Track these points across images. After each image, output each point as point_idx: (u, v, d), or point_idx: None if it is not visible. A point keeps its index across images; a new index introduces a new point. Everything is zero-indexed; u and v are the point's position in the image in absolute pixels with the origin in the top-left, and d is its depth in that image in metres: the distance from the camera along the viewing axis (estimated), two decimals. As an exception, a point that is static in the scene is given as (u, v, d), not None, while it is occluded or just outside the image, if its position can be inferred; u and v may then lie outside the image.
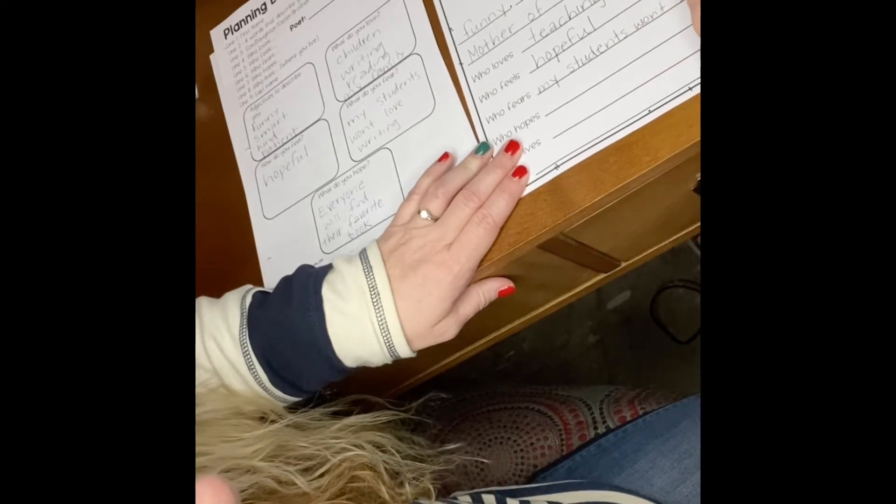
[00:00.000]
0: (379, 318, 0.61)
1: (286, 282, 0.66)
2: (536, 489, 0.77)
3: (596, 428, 0.83)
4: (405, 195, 0.69)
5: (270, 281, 0.75)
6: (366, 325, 0.61)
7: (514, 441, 0.86)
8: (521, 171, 0.63)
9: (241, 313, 0.64)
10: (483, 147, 0.65)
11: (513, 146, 0.64)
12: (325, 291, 0.62)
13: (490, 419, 0.88)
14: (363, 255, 0.64)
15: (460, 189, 0.64)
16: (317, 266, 0.67)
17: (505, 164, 0.63)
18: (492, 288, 0.66)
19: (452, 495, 0.69)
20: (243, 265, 0.77)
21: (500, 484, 0.84)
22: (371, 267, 0.62)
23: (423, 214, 0.63)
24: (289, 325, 0.62)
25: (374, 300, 0.61)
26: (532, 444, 0.86)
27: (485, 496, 0.67)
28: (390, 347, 0.62)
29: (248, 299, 0.65)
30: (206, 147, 0.82)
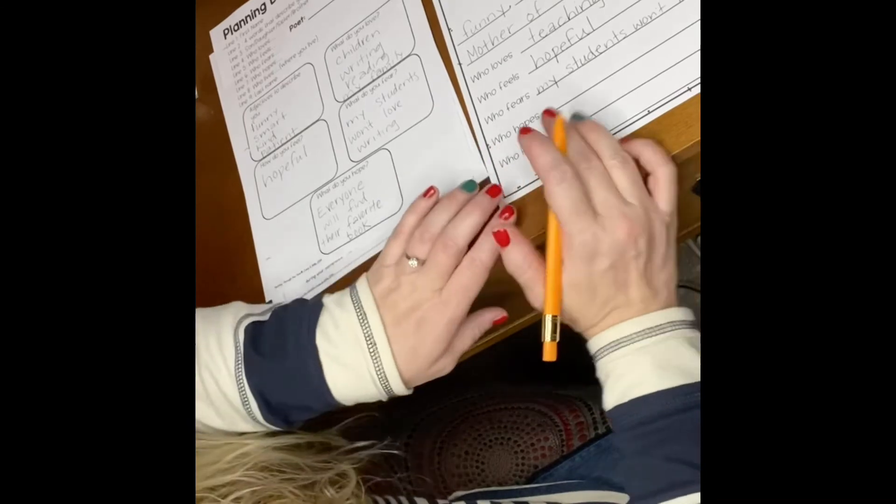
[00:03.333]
0: (376, 367, 0.61)
1: (279, 324, 0.65)
2: (536, 489, 0.77)
3: (596, 428, 0.83)
4: (404, 196, 0.69)
5: (270, 281, 0.75)
6: (363, 373, 0.62)
7: (515, 441, 0.86)
8: (508, 211, 0.62)
9: (236, 347, 0.64)
10: (469, 185, 0.64)
11: (494, 190, 0.63)
12: (320, 340, 0.62)
13: (490, 419, 0.88)
14: (355, 298, 0.63)
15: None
16: (312, 271, 0.67)
17: (484, 205, 0.62)
18: (486, 320, 0.65)
19: (451, 497, 0.69)
20: (243, 265, 0.77)
21: (500, 485, 0.84)
22: (365, 314, 0.62)
23: (412, 262, 0.62)
24: (285, 372, 0.62)
25: (371, 350, 0.61)
26: (532, 444, 0.86)
27: (479, 501, 0.67)
28: (388, 390, 0.63)
29: (241, 334, 0.64)
30: (206, 147, 0.82)
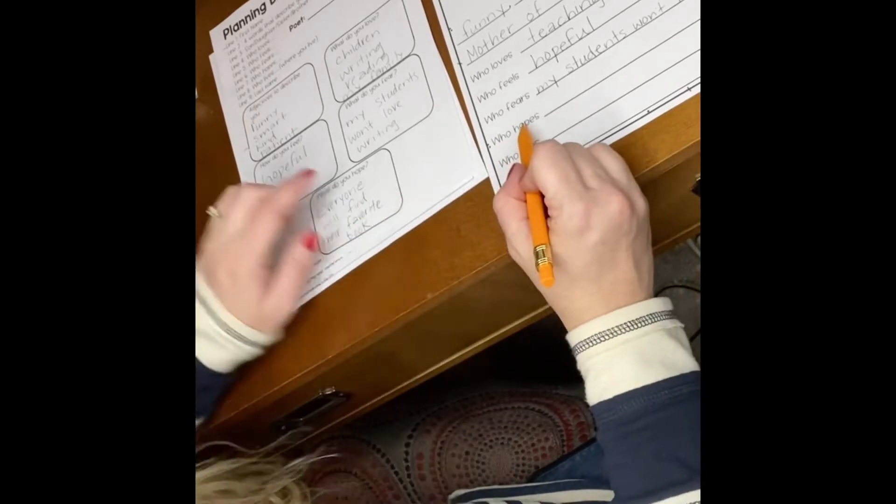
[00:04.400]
0: (215, 319, 0.66)
1: None
2: (536, 488, 0.77)
3: (597, 428, 0.83)
4: (404, 196, 0.69)
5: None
6: (209, 331, 0.66)
7: (516, 442, 0.86)
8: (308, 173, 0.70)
9: None
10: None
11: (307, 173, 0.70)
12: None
13: (491, 419, 0.88)
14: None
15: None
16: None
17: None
18: (297, 246, 0.68)
19: (451, 496, 0.69)
20: (243, 265, 0.77)
21: (500, 485, 0.84)
22: (197, 273, 0.68)
23: (213, 212, 0.69)
24: None
25: (205, 306, 0.66)
26: (533, 444, 0.86)
27: (479, 500, 0.67)
28: (241, 338, 0.67)
29: None
30: (206, 147, 0.82)
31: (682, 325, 0.58)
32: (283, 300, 0.67)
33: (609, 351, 0.55)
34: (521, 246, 0.57)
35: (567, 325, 0.58)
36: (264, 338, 0.68)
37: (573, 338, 0.58)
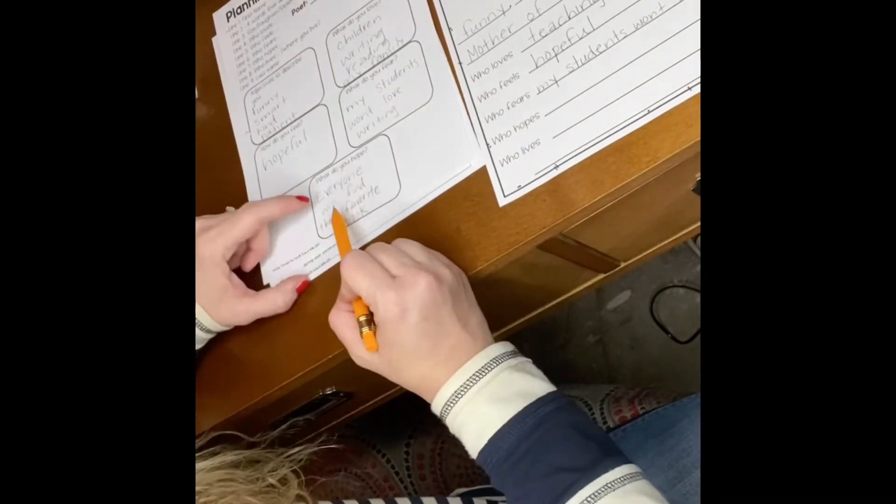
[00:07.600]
0: None
1: None
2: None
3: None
4: (402, 182, 0.69)
5: (268, 264, 0.75)
6: None
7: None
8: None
9: None
10: None
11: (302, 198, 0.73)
12: None
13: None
14: None
15: None
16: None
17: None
18: (287, 288, 0.70)
19: (451, 494, 0.69)
20: (241, 252, 0.77)
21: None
22: None
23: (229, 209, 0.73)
24: None
25: None
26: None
27: (476, 500, 0.67)
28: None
29: None
30: (207, 141, 0.81)
31: (529, 360, 0.61)
32: (241, 312, 0.69)
33: (468, 404, 0.59)
34: (360, 351, 0.62)
35: (427, 400, 0.62)
36: (212, 326, 0.70)
37: (436, 408, 0.61)
